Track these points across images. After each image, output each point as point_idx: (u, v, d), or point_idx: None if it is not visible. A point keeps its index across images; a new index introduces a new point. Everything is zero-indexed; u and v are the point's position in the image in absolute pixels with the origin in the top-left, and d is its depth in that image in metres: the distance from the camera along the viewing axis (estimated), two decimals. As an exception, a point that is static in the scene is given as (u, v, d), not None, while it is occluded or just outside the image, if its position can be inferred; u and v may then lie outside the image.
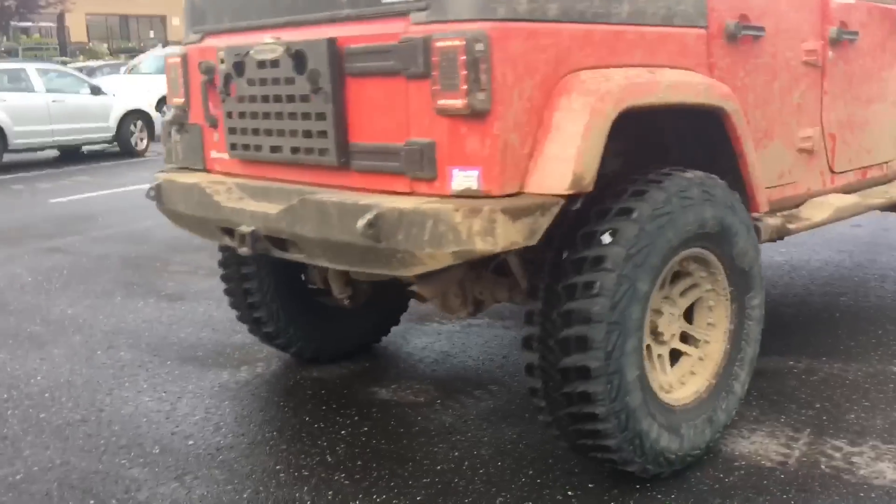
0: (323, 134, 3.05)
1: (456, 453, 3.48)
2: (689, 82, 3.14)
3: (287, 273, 4.28)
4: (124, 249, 7.55)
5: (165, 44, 39.08)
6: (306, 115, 3.09)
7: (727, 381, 3.35)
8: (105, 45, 41.81)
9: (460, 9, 2.68)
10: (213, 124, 3.57)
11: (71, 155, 15.72)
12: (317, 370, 4.47)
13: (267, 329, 4.35)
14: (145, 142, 15.86)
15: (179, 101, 3.74)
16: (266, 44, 3.16)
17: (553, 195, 2.71)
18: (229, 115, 3.45)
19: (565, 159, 2.69)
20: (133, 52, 33.75)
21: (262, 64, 3.21)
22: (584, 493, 3.12)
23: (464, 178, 2.71)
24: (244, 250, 3.26)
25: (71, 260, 7.23)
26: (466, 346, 4.75)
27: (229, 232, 3.37)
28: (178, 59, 3.72)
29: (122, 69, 21.53)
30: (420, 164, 2.78)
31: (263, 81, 3.23)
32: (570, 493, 3.13)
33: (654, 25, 3.10)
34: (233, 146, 3.48)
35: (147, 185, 3.88)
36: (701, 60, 3.29)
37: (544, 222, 2.72)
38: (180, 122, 3.76)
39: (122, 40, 46.11)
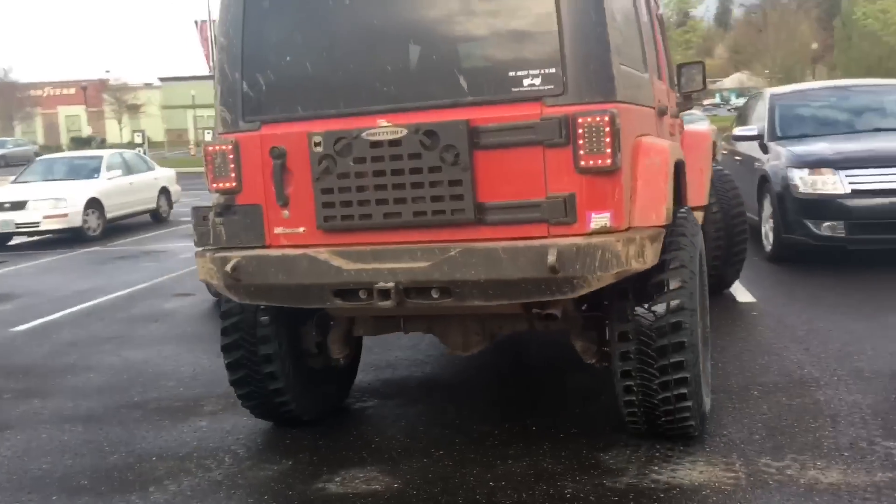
0: (458, 197, 3.65)
1: (454, 531, 3.48)
2: (677, 145, 4.48)
3: (294, 339, 4.55)
4: None
5: None
6: (435, 184, 3.66)
7: (706, 360, 4.52)
8: None
9: (593, 94, 3.60)
10: (285, 203, 3.87)
11: None
12: (241, 475, 4.19)
13: (281, 397, 4.51)
14: None
15: (228, 185, 3.96)
16: (384, 126, 3.70)
17: (659, 226, 3.75)
18: (325, 191, 3.80)
19: (661, 200, 3.80)
20: None
21: (377, 144, 3.71)
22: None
23: (599, 220, 3.58)
24: (388, 304, 3.70)
25: None
26: (380, 428, 4.71)
27: (345, 293, 3.79)
28: (229, 147, 3.94)
29: None
30: (563, 212, 3.57)
31: (377, 159, 3.72)
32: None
33: (648, 107, 4.26)
34: (326, 219, 3.83)
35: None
36: (654, 131, 4.38)
37: (660, 246, 3.74)
38: (227, 206, 3.96)
39: None
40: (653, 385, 3.91)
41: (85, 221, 14.93)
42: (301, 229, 3.90)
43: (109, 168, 16.13)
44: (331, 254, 3.80)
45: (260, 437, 4.72)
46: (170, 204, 18.05)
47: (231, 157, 3.95)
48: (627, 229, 3.63)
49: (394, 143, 3.68)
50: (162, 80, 74.15)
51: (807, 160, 8.06)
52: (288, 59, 3.96)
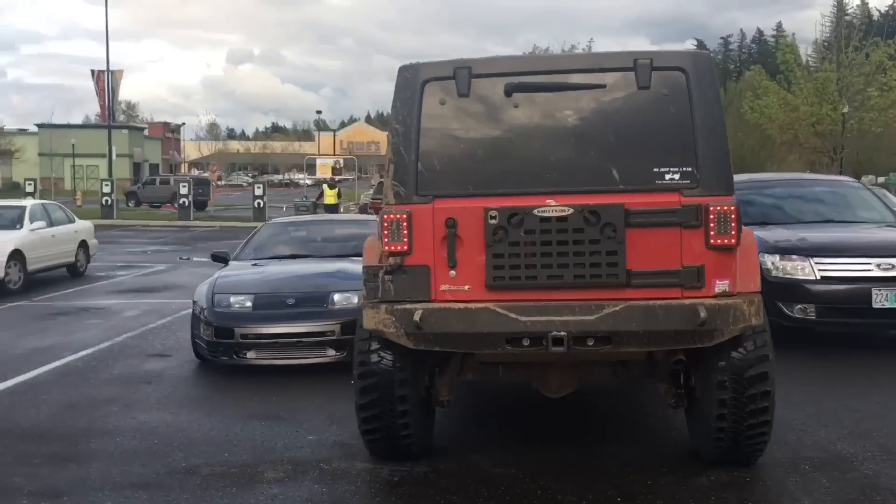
0: (613, 265, 4.47)
1: None
2: None
3: (417, 385, 5.07)
4: None
5: None
6: (594, 253, 4.47)
7: None
8: None
9: (720, 188, 4.58)
10: (454, 265, 4.55)
11: None
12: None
13: (407, 435, 5.06)
14: None
15: (400, 248, 4.60)
16: (553, 206, 4.52)
17: (757, 291, 4.65)
18: (496, 256, 4.53)
19: (756, 272, 4.75)
20: None
21: (546, 219, 4.51)
22: None
23: (721, 286, 4.52)
24: (560, 349, 4.45)
25: None
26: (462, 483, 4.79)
27: (514, 340, 4.49)
28: (404, 216, 4.60)
29: None
30: (696, 279, 4.49)
31: (545, 231, 4.51)
32: None
33: None
34: (496, 279, 4.54)
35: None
36: None
37: None
38: (398, 266, 4.59)
39: None
40: (744, 411, 4.79)
41: (7, 274, 14.16)
42: (466, 287, 4.58)
43: (33, 219, 15.42)
44: (503, 308, 4.47)
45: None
46: (87, 258, 17.32)
47: (405, 224, 4.60)
48: (737, 294, 4.54)
49: (561, 219, 4.49)
50: (39, 126, 71.13)
51: (778, 247, 8.72)
52: (461, 146, 4.72)
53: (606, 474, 5.12)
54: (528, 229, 4.49)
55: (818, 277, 8.40)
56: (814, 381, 7.29)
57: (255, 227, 11.59)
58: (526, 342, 4.47)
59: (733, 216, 4.45)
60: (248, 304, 8.07)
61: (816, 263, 8.44)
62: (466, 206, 4.59)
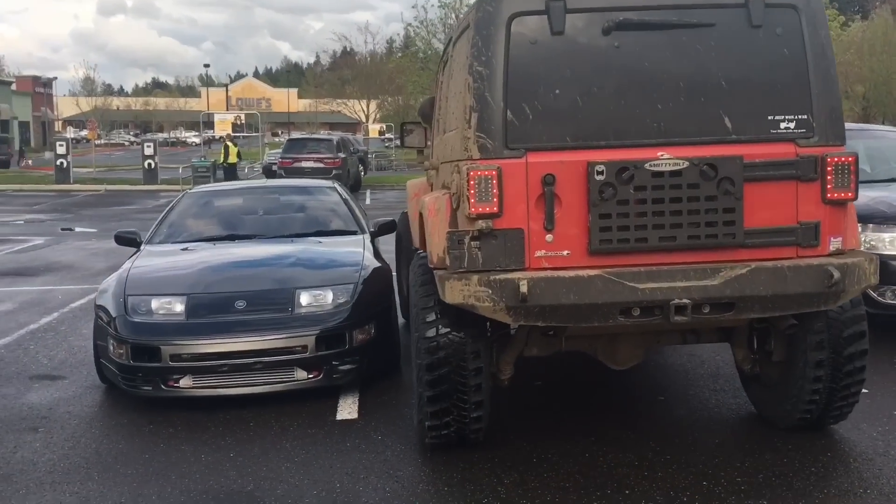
0: (730, 223, 4.11)
1: None
2: None
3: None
4: None
5: None
6: (710, 211, 4.09)
7: None
8: None
9: (836, 138, 4.24)
10: (551, 227, 4.03)
11: None
12: None
13: (479, 422, 4.51)
14: None
15: (490, 210, 4.00)
16: (666, 158, 4.07)
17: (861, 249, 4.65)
18: (603, 216, 4.04)
19: (857, 228, 4.52)
20: None
21: (658, 174, 4.05)
22: None
23: (835, 242, 4.26)
24: (683, 318, 4.04)
25: None
26: None
27: (628, 311, 4.01)
28: (493, 172, 3.99)
29: None
30: (813, 237, 4.20)
31: (658, 188, 4.06)
32: None
33: None
34: (602, 242, 4.06)
35: None
36: None
37: None
38: (486, 230, 4.01)
39: None
40: (842, 372, 4.55)
41: None
42: (565, 252, 4.06)
43: None
44: (615, 275, 3.97)
45: None
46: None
47: (494, 182, 4.00)
48: (850, 251, 4.25)
49: (675, 173, 4.03)
50: None
51: (862, 214, 6.85)
52: (556, 92, 4.13)
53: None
54: (638, 185, 4.04)
55: (919, 252, 6.62)
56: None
57: (168, 197, 9.04)
58: (636, 312, 4.01)
59: (852, 168, 4.15)
60: (179, 308, 5.68)
61: (916, 235, 6.66)
62: (566, 159, 4.07)
